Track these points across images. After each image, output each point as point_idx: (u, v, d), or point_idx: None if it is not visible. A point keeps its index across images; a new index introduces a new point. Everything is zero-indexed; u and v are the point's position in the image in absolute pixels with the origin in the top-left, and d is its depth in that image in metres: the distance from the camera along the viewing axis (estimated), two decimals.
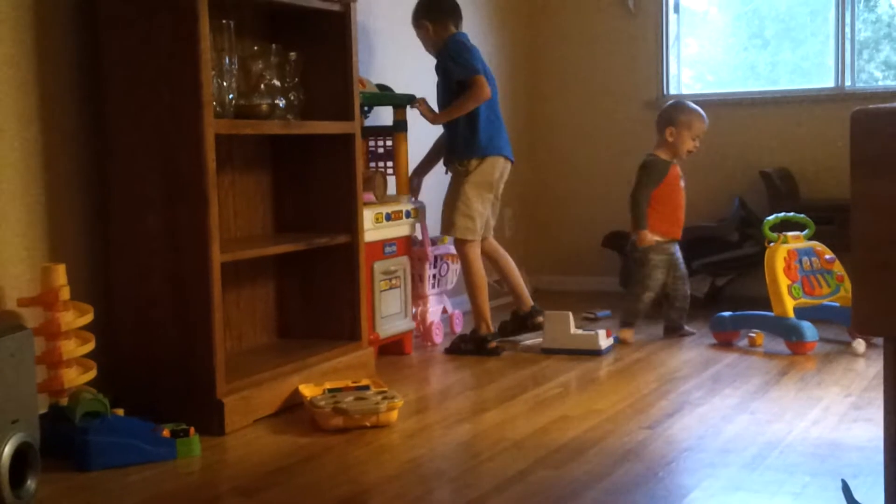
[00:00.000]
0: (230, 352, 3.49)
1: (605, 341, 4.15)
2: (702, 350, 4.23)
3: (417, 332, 4.35)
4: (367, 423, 3.12)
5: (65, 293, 2.93)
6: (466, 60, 4.24)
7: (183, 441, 2.88)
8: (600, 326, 4.29)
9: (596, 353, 4.10)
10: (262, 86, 3.47)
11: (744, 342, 4.30)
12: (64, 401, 2.92)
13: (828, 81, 5.52)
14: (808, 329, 4.10)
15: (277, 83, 3.51)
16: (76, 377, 2.95)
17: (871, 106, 2.10)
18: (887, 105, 2.12)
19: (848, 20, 5.45)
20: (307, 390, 3.30)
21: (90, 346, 2.99)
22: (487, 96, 4.18)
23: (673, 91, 5.83)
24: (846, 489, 2.06)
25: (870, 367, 3.79)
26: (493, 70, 5.69)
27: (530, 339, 4.33)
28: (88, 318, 3.00)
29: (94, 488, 2.66)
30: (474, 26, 5.55)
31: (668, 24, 5.79)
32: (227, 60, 3.30)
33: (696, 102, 5.80)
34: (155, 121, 3.10)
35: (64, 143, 3.17)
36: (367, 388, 3.34)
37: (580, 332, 4.19)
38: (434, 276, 4.42)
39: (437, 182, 5.17)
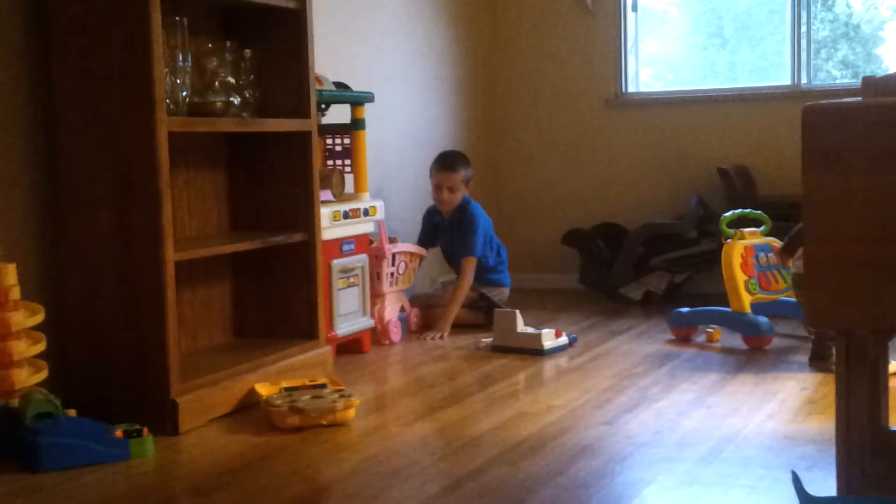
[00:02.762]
0: (185, 351, 3.45)
1: (550, 341, 4.12)
2: (660, 345, 4.25)
3: (375, 330, 4.33)
4: (324, 422, 3.10)
5: (15, 293, 2.89)
6: (480, 241, 4.74)
7: (136, 441, 2.85)
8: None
9: (539, 352, 4.08)
10: (217, 83, 3.44)
11: (701, 338, 4.32)
12: (14, 402, 2.87)
13: (785, 80, 5.57)
14: (765, 324, 4.13)
15: (232, 80, 3.48)
16: (27, 378, 2.91)
17: (821, 101, 2.11)
18: (837, 101, 2.14)
19: (805, 19, 5.50)
20: (263, 389, 3.28)
21: (41, 347, 2.95)
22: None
23: (631, 89, 5.85)
24: (796, 480, 2.07)
25: None
26: (453, 68, 5.71)
27: (487, 338, 4.32)
28: (39, 318, 2.96)
29: (46, 490, 2.62)
30: (434, 25, 5.55)
31: (627, 22, 5.81)
32: (180, 58, 3.27)
33: (655, 101, 5.87)
34: (107, 119, 3.06)
35: (13, 141, 3.12)
36: (324, 386, 3.32)
37: (528, 330, 4.17)
38: (392, 275, 4.40)
39: (396, 179, 5.16)
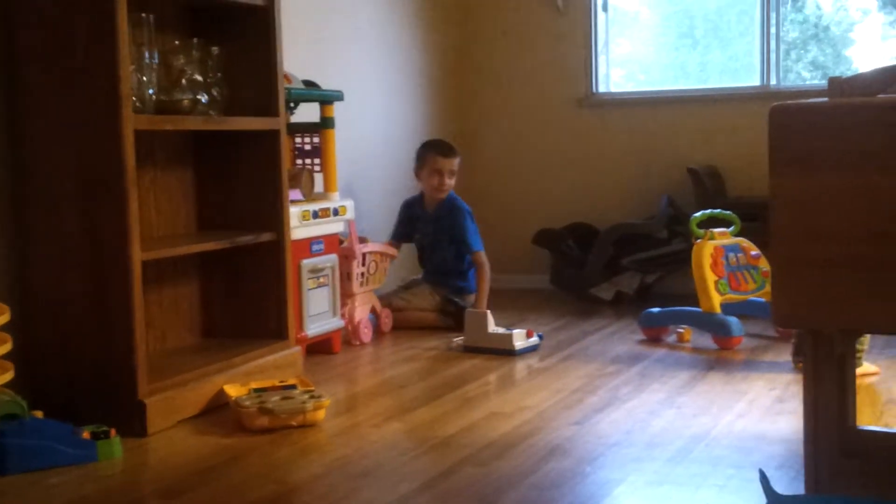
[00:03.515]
0: (153, 352, 3.42)
1: (521, 342, 4.11)
2: (631, 345, 4.25)
3: (346, 330, 4.31)
4: (294, 423, 3.08)
5: None
6: (476, 232, 4.77)
7: (104, 443, 2.82)
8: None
9: (510, 353, 4.07)
10: (184, 81, 3.41)
11: (672, 338, 4.33)
12: None
13: (755, 81, 5.59)
14: (735, 324, 4.14)
15: (199, 78, 3.45)
16: None
17: (788, 101, 2.12)
18: (804, 101, 2.14)
19: (774, 20, 5.53)
20: (232, 390, 3.25)
21: (7, 347, 2.90)
22: None
23: (602, 89, 5.86)
24: (764, 479, 2.07)
25: None
26: (424, 67, 5.70)
27: (458, 338, 4.31)
28: (5, 318, 2.91)
29: (12, 492, 2.59)
30: (404, 24, 5.54)
31: (598, 22, 5.82)
32: (146, 55, 3.24)
33: (626, 101, 5.89)
34: (73, 116, 3.03)
35: None
36: (293, 387, 3.30)
37: (499, 330, 4.16)
38: (362, 275, 4.38)
39: (366, 178, 5.14)
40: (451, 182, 4.82)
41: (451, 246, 4.78)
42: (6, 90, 3.12)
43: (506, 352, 4.07)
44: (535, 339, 4.19)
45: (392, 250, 4.63)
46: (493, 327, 4.16)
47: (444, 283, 4.75)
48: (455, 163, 4.84)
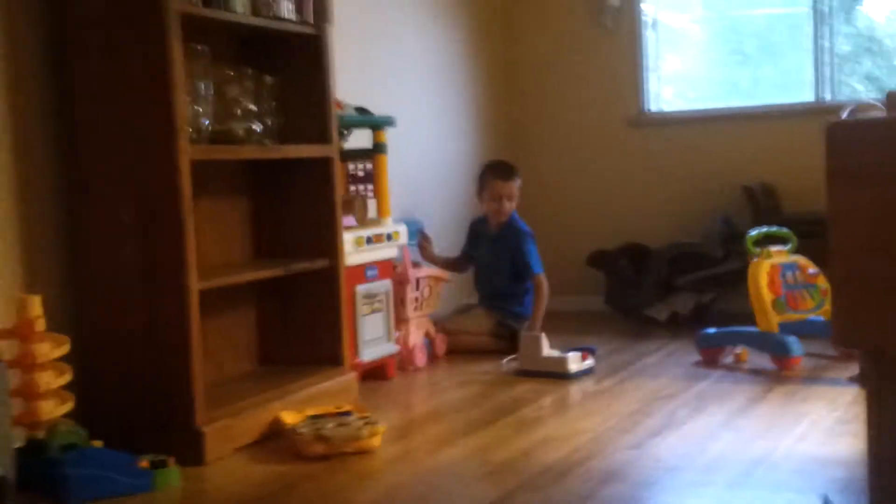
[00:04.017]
0: (210, 380, 3.44)
1: (576, 364, 4.08)
2: (687, 367, 4.21)
3: (400, 355, 4.31)
4: (350, 450, 3.08)
5: (40, 324, 2.89)
6: (537, 255, 4.76)
7: (161, 472, 2.84)
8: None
9: (564, 376, 4.03)
10: (238, 111, 3.45)
11: (729, 358, 4.27)
12: (41, 433, 2.87)
13: (808, 96, 5.53)
14: (794, 344, 4.08)
15: (253, 107, 3.49)
16: (53, 409, 2.91)
17: (843, 118, 2.10)
18: (860, 117, 2.12)
19: (826, 34, 5.47)
20: (288, 417, 3.26)
21: (67, 378, 2.96)
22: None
23: (653, 108, 5.83)
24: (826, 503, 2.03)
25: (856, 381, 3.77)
26: (473, 91, 5.71)
27: (509, 359, 4.30)
28: (65, 349, 2.96)
29: None
30: (452, 48, 5.56)
31: (646, 40, 5.80)
32: (201, 86, 3.28)
33: (678, 119, 5.85)
34: (129, 149, 3.07)
35: (37, 173, 3.14)
36: (349, 413, 3.30)
37: (554, 353, 4.13)
38: (416, 299, 4.39)
39: (420, 202, 5.16)
40: (510, 205, 4.82)
41: (510, 268, 4.77)
42: (64, 126, 3.17)
43: (561, 375, 4.04)
44: (590, 362, 4.15)
45: (444, 273, 4.63)
46: (547, 350, 4.13)
47: (500, 307, 4.73)
48: (514, 186, 4.83)
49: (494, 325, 4.69)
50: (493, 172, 4.87)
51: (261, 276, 3.49)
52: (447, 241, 5.07)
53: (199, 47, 3.27)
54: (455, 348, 4.63)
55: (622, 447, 3.08)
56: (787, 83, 5.78)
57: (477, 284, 4.94)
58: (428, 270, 4.49)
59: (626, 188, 5.84)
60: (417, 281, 4.38)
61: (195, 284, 3.06)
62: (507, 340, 4.60)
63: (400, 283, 4.30)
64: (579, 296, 5.75)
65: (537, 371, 4.10)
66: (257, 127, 3.47)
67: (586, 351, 4.20)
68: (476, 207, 5.05)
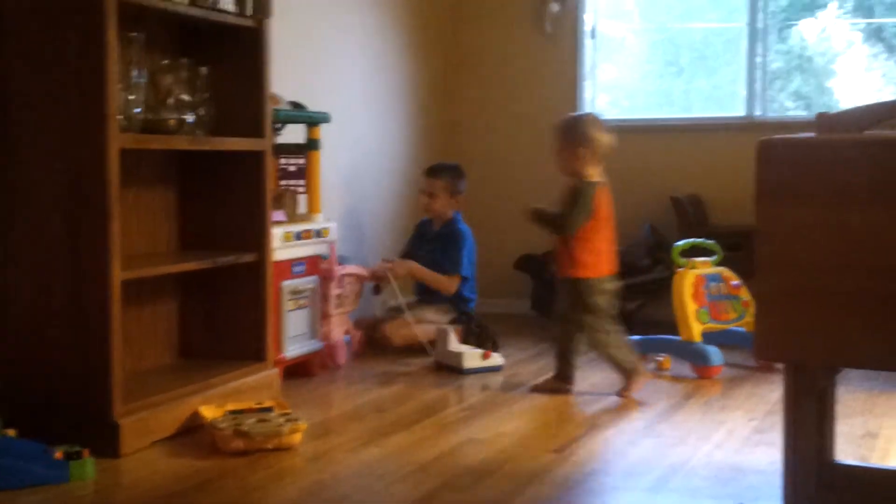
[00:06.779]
0: (129, 371, 3.39)
1: (473, 361, 4.17)
2: (609, 373, 4.23)
3: (321, 352, 4.28)
4: (270, 446, 3.05)
5: None
6: (463, 256, 4.79)
7: (76, 463, 2.79)
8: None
9: (459, 371, 4.16)
10: (171, 100, 3.40)
11: (651, 366, 4.32)
12: None
13: (739, 110, 5.62)
14: (714, 353, 4.14)
15: (187, 98, 3.44)
16: None
17: (776, 136, 2.13)
18: (791, 136, 2.15)
19: (760, 50, 5.56)
20: (208, 412, 3.22)
21: None
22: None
23: None
24: None
25: (773, 392, 3.83)
26: (411, 91, 5.70)
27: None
28: None
29: None
30: (393, 47, 5.54)
31: (585, 48, 5.84)
32: (135, 73, 3.23)
33: (611, 128, 5.86)
34: (59, 133, 3.01)
35: None
36: (270, 409, 3.27)
37: (460, 349, 4.24)
38: (339, 296, 4.36)
39: (353, 200, 5.13)
40: (431, 202, 4.85)
41: (445, 269, 4.78)
42: None
43: (456, 370, 4.15)
44: (493, 361, 4.23)
45: (365, 272, 4.59)
46: (454, 344, 4.18)
47: (439, 300, 4.74)
48: (435, 183, 4.86)
49: (461, 320, 4.68)
50: (426, 169, 4.90)
51: (186, 269, 3.45)
52: (384, 241, 5.04)
53: (133, 34, 3.22)
54: (374, 343, 4.61)
55: (544, 451, 3.09)
56: (720, 97, 5.87)
57: (416, 284, 4.92)
58: (350, 268, 4.47)
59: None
60: (341, 278, 4.35)
61: (119, 273, 3.01)
62: (475, 337, 4.57)
63: (325, 280, 4.27)
64: (507, 298, 5.78)
65: (443, 363, 4.25)
66: (190, 118, 3.43)
67: (489, 350, 4.29)
68: (415, 207, 5.05)
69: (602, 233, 3.90)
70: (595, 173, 3.93)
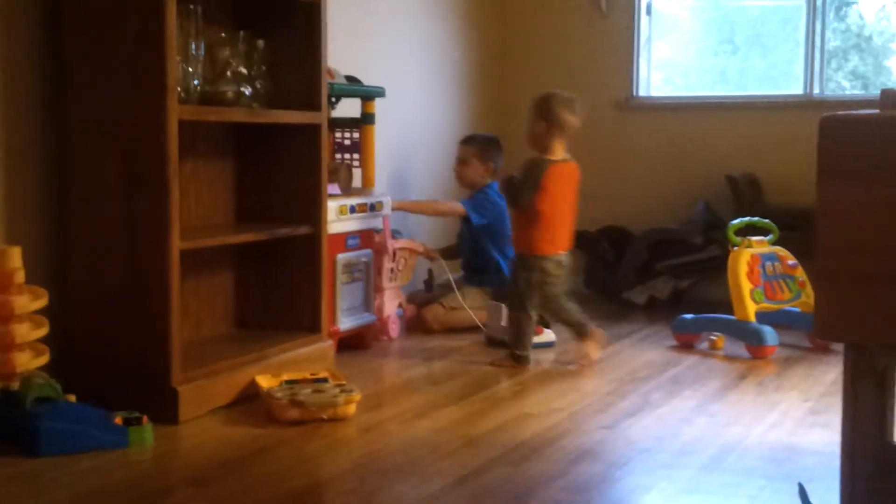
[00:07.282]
0: (187, 340, 3.43)
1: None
2: (663, 351, 4.23)
3: (374, 325, 4.30)
4: (324, 416, 3.08)
5: (19, 276, 2.88)
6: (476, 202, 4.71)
7: (135, 429, 2.84)
8: None
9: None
10: (229, 73, 3.42)
11: (704, 345, 4.30)
12: (15, 385, 2.86)
13: (796, 89, 5.55)
14: (769, 333, 4.11)
15: (244, 71, 3.47)
16: (28, 361, 2.90)
17: (839, 112, 2.10)
18: (855, 112, 2.12)
19: (818, 29, 5.48)
20: (264, 381, 3.26)
21: (44, 331, 2.94)
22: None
23: (642, 93, 5.83)
24: (802, 492, 2.05)
25: (828, 373, 3.80)
26: (464, 67, 5.69)
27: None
28: (43, 302, 2.94)
29: (43, 475, 2.61)
30: (444, 22, 5.54)
31: (640, 25, 5.79)
32: (193, 46, 3.26)
33: (666, 105, 5.85)
34: (118, 105, 3.04)
35: (22, 125, 3.11)
36: (325, 380, 3.31)
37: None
38: (392, 270, 4.38)
39: (405, 174, 5.15)
40: (462, 169, 4.76)
41: (482, 238, 4.71)
42: (53, 79, 3.14)
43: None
44: (545, 337, 4.22)
45: (420, 247, 4.60)
46: (505, 321, 4.17)
47: (479, 281, 4.69)
48: (467, 150, 4.77)
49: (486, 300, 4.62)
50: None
51: (243, 240, 3.48)
52: (433, 218, 5.04)
53: (192, 7, 3.25)
54: (423, 321, 4.58)
55: (596, 426, 3.09)
56: (775, 75, 5.80)
57: (462, 262, 4.89)
58: (404, 242, 4.48)
59: (610, 171, 5.84)
60: (394, 252, 4.37)
61: (177, 244, 3.05)
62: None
63: (378, 253, 4.29)
64: None
65: (496, 339, 4.20)
66: (247, 90, 3.45)
67: (540, 327, 4.23)
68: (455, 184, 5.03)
69: (557, 210, 3.92)
70: (558, 151, 3.96)
